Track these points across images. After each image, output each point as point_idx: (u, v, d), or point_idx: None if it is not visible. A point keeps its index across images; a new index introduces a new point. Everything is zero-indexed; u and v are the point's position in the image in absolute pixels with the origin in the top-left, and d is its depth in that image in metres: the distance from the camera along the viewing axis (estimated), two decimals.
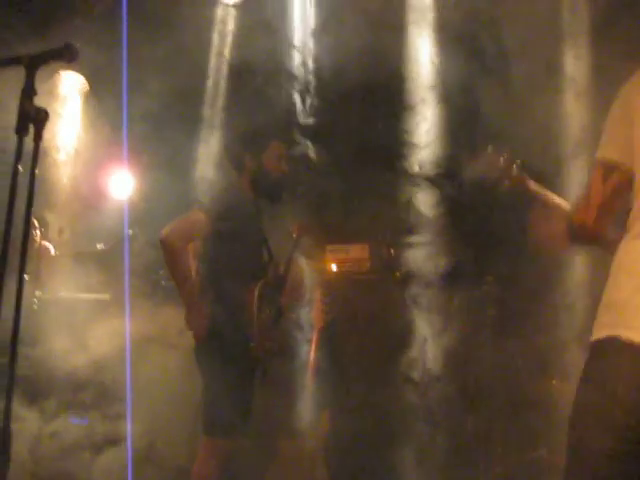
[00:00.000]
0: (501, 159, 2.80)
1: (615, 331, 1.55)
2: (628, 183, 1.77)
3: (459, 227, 4.38)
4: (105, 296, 4.36)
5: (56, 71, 4.58)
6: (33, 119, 1.69)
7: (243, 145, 3.44)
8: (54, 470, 3.43)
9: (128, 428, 3.45)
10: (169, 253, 3.18)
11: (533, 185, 2.75)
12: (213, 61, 4.69)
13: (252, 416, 3.25)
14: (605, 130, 1.85)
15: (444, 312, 4.14)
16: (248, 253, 3.30)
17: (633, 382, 1.47)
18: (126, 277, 3.73)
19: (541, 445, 3.71)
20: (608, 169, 1.79)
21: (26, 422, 3.48)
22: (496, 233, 4.01)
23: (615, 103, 1.87)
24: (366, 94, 4.61)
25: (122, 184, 5.09)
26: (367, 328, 4.05)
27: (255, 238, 3.39)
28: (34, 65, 1.68)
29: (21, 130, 1.68)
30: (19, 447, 3.13)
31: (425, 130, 4.50)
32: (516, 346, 3.89)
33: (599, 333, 1.62)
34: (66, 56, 1.70)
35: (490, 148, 2.88)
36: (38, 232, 4.40)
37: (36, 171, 1.72)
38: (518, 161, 2.78)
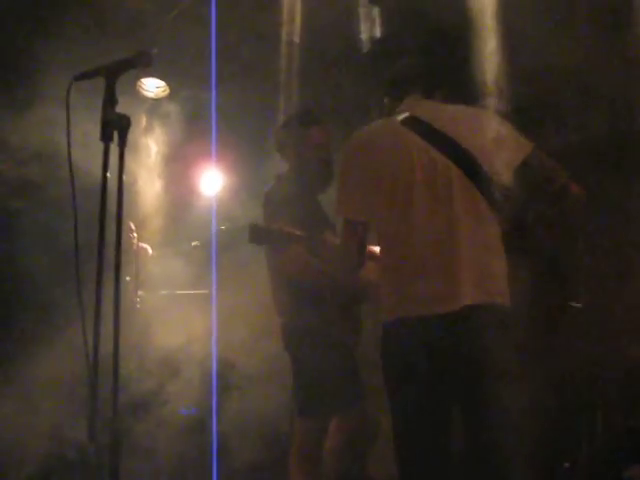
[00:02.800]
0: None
1: (400, 312, 2.20)
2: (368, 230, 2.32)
3: None
4: (205, 291, 4.48)
5: (138, 78, 4.74)
6: (116, 126, 1.77)
7: (284, 135, 3.26)
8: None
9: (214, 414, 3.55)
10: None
11: None
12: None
13: (354, 394, 3.23)
14: (347, 190, 2.32)
15: None
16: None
17: (419, 341, 2.13)
18: (213, 272, 3.84)
19: None
20: (354, 225, 2.31)
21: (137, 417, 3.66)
22: None
23: (349, 164, 2.34)
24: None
25: (211, 181, 5.23)
26: None
27: (320, 225, 3.24)
28: (112, 75, 1.76)
29: (106, 138, 1.76)
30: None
31: None
32: None
33: (389, 316, 2.25)
34: (141, 63, 1.78)
35: None
36: (135, 235, 4.57)
37: (124, 176, 1.81)
38: None
